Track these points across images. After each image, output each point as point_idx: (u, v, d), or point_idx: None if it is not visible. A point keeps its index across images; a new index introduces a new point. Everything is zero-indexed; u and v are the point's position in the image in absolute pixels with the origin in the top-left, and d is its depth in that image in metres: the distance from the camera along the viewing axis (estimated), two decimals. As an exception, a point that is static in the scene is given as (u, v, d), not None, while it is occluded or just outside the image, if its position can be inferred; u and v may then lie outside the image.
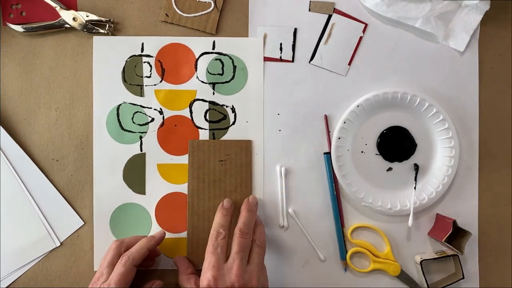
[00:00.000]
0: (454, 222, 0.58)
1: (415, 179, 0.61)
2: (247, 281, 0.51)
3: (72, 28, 0.59)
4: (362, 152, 0.61)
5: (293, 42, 0.61)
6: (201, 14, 0.60)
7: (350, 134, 0.60)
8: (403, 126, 0.61)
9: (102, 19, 0.59)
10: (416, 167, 0.61)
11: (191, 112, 0.61)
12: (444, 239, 0.57)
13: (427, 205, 0.60)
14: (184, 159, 0.60)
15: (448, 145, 0.60)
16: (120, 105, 0.60)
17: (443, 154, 0.60)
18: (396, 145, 0.61)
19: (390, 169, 0.61)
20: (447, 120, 0.59)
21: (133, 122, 0.60)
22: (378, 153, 0.61)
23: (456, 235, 0.59)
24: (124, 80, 0.60)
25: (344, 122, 0.59)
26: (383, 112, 0.61)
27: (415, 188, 0.60)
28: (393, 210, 0.60)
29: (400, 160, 0.61)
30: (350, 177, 0.60)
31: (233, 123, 0.61)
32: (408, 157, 0.61)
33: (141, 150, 0.60)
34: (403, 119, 0.61)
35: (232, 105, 0.61)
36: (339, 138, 0.59)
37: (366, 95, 0.60)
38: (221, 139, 0.60)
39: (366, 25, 0.61)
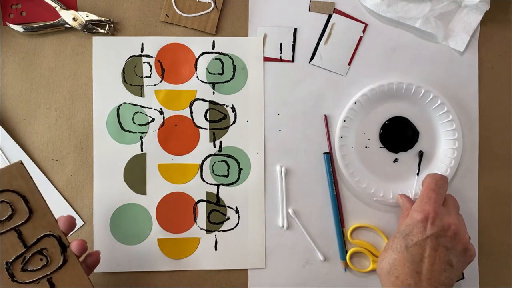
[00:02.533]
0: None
1: (419, 166, 0.60)
2: (462, 232, 0.51)
3: (72, 28, 0.59)
4: (366, 147, 0.61)
5: (293, 42, 0.61)
6: (201, 14, 0.60)
7: (352, 132, 0.60)
8: (403, 115, 0.61)
9: (102, 19, 0.59)
10: (421, 153, 0.60)
11: (191, 112, 0.61)
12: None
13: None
14: (185, 159, 0.60)
15: (451, 135, 0.60)
16: (120, 105, 0.60)
17: (446, 138, 0.60)
18: (399, 135, 0.61)
19: (396, 160, 0.61)
20: (448, 108, 0.59)
21: (134, 122, 0.60)
22: (382, 146, 0.61)
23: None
24: (124, 80, 0.60)
25: (344, 121, 0.59)
26: (382, 104, 0.61)
27: (418, 174, 0.60)
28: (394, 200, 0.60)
29: (405, 150, 0.61)
30: (358, 174, 0.60)
31: (233, 122, 0.61)
32: (413, 145, 0.61)
33: (141, 150, 0.60)
34: (402, 109, 0.61)
35: (232, 105, 0.61)
36: (342, 137, 0.59)
37: (362, 90, 0.60)
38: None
39: (366, 25, 0.61)
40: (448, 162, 0.60)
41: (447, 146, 0.60)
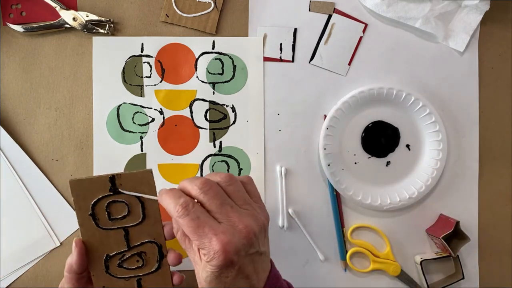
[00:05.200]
0: (457, 223, 0.58)
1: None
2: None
3: (72, 28, 0.59)
4: (355, 163, 0.61)
5: (293, 42, 0.61)
6: (201, 14, 0.60)
7: (335, 151, 0.60)
8: (380, 119, 0.61)
9: (102, 19, 0.59)
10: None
11: (191, 112, 0.61)
12: (442, 236, 0.57)
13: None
14: (185, 159, 0.60)
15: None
16: (120, 105, 0.60)
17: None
18: (381, 137, 0.61)
19: (388, 163, 0.61)
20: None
21: (134, 122, 0.60)
22: (370, 155, 0.61)
23: (454, 237, 0.59)
24: (124, 80, 0.60)
25: (325, 149, 0.59)
26: (359, 113, 0.61)
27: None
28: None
29: (392, 150, 0.61)
30: (352, 188, 0.60)
31: (233, 122, 0.61)
32: (398, 143, 0.61)
33: (141, 150, 0.60)
34: (379, 113, 0.61)
35: (232, 105, 0.61)
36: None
37: (335, 106, 0.59)
38: None
39: (366, 25, 0.61)
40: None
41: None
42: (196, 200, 0.42)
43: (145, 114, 0.60)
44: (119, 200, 0.45)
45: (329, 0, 0.61)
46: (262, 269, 0.43)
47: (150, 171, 0.45)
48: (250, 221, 0.41)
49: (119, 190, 0.45)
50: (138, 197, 0.45)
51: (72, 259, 0.45)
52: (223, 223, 0.40)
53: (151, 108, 0.60)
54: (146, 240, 0.46)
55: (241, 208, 0.42)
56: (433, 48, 0.62)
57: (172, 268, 0.48)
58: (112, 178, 0.44)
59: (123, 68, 0.60)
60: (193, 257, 0.43)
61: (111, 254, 0.46)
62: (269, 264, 0.45)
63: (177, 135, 0.61)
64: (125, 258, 0.46)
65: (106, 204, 0.45)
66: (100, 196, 0.44)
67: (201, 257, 0.41)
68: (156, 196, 0.45)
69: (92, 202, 0.44)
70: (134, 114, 0.60)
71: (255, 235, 0.41)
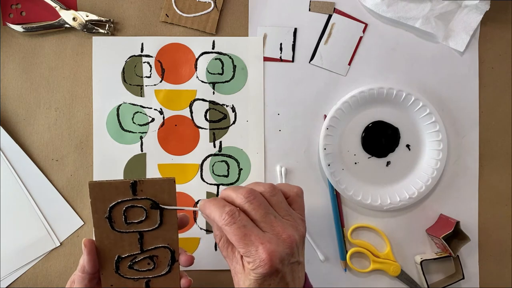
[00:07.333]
0: (457, 223, 0.58)
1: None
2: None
3: (72, 28, 0.59)
4: (356, 163, 0.61)
5: (293, 42, 0.61)
6: (201, 14, 0.60)
7: (335, 151, 0.60)
8: (380, 119, 0.61)
9: (102, 19, 0.59)
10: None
11: (191, 112, 0.61)
12: (442, 236, 0.57)
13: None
14: (185, 159, 0.60)
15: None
16: (120, 105, 0.60)
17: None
18: (381, 138, 0.61)
19: (389, 163, 0.61)
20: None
21: (133, 122, 0.60)
22: (370, 156, 0.61)
23: (454, 237, 0.59)
24: (124, 80, 0.60)
25: (325, 149, 0.59)
26: (359, 113, 0.61)
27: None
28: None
29: (392, 149, 0.61)
30: (352, 188, 0.60)
31: (233, 122, 0.61)
32: (397, 143, 0.61)
33: (141, 150, 0.60)
34: (379, 113, 0.61)
35: (232, 105, 0.61)
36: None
37: (335, 105, 0.59)
38: None
39: (366, 25, 0.61)
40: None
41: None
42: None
43: (145, 114, 0.60)
44: (137, 205, 0.45)
45: (329, 0, 0.61)
46: (298, 278, 0.44)
47: (173, 180, 0.44)
48: (292, 231, 0.42)
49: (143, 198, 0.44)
50: (158, 204, 0.44)
51: (83, 259, 0.45)
52: (268, 233, 0.41)
53: (151, 108, 0.60)
54: (160, 245, 0.46)
55: (283, 219, 0.43)
56: (433, 48, 0.62)
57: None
58: (134, 184, 0.44)
59: (123, 68, 0.60)
60: (234, 266, 0.43)
61: (123, 256, 0.46)
62: (304, 273, 0.46)
63: (177, 135, 0.61)
64: (136, 260, 0.46)
65: (124, 208, 0.44)
66: (119, 200, 0.44)
67: (245, 265, 0.42)
68: (175, 204, 0.45)
69: (110, 205, 0.44)
70: (134, 114, 0.60)
71: (297, 244, 0.42)
